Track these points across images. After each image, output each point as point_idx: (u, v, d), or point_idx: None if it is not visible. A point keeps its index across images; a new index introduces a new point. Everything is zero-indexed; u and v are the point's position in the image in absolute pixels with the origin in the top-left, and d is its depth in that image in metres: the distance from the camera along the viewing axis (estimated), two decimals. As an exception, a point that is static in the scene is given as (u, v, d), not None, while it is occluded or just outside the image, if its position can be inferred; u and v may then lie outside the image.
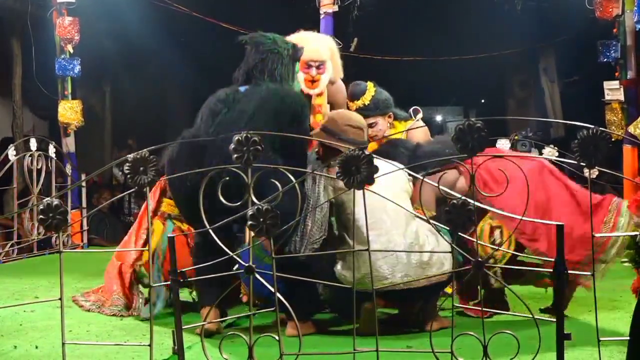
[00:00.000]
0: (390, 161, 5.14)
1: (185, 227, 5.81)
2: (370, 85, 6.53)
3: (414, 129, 6.36)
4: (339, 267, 5.06)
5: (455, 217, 3.25)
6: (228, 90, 5.41)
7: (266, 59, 5.38)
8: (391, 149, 5.76)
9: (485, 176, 5.41)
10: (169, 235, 3.69)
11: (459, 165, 5.14)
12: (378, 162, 3.41)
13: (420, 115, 6.51)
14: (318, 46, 6.26)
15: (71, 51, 9.86)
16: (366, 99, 6.46)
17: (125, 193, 8.49)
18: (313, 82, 6.17)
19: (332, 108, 6.30)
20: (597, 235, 5.10)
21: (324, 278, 4.74)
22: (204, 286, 5.11)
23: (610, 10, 8.90)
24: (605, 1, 8.95)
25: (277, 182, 3.38)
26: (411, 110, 6.52)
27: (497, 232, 5.57)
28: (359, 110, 6.30)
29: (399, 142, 5.99)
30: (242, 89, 5.37)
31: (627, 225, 5.36)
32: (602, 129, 3.22)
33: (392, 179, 4.49)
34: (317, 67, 6.18)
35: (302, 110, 5.34)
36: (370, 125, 6.13)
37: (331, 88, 6.36)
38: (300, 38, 6.09)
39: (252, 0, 12.89)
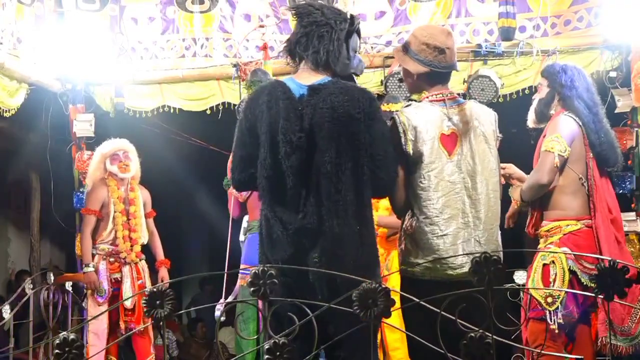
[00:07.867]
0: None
1: None
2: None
3: None
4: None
5: (474, 350, 3.19)
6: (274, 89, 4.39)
7: (310, 33, 4.45)
8: None
9: None
10: None
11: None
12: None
13: None
14: None
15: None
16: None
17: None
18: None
19: None
20: None
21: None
22: None
23: (625, 142, 8.94)
24: (619, 134, 8.99)
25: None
26: None
27: (552, 268, 5.54)
28: None
29: None
30: (289, 84, 4.41)
31: None
32: (620, 261, 3.21)
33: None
34: None
35: (372, 105, 4.36)
36: None
37: None
38: None
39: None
